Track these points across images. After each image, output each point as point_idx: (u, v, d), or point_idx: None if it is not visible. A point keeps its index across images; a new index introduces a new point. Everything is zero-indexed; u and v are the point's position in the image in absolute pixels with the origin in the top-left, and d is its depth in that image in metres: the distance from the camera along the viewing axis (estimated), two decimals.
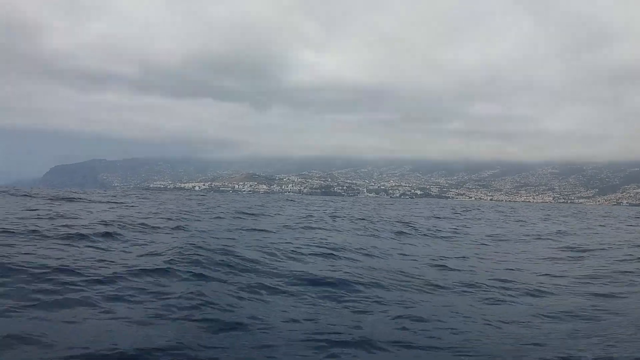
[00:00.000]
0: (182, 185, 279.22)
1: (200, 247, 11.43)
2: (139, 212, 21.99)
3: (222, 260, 10.31)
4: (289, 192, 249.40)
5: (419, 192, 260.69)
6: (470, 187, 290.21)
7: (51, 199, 28.30)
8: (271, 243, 13.66)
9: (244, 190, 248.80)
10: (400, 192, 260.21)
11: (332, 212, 31.75)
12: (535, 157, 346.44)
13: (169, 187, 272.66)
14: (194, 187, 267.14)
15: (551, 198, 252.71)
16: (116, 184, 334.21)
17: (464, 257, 13.89)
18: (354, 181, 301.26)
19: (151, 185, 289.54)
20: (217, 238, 14.17)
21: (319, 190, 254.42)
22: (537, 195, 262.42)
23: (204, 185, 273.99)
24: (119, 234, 13.46)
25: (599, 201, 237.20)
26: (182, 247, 11.28)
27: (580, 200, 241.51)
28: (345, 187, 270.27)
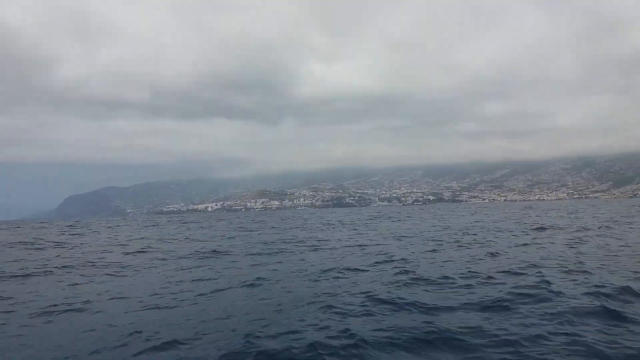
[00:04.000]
0: (195, 207, 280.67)
1: None
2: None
3: None
4: (301, 206, 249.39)
5: (431, 197, 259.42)
6: (482, 188, 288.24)
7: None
8: None
9: (256, 208, 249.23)
10: (413, 198, 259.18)
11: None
12: (546, 153, 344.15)
13: (182, 209, 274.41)
14: (206, 207, 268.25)
15: (565, 194, 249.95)
16: (129, 210, 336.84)
17: None
18: (365, 191, 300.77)
19: (164, 209, 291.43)
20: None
21: (330, 203, 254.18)
22: (550, 192, 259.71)
23: (216, 205, 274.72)
24: None
25: (614, 194, 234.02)
26: None
27: (596, 195, 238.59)
28: (356, 198, 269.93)
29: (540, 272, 11.15)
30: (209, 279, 12.06)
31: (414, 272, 11.83)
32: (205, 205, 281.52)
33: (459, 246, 18.14)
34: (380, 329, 7.11)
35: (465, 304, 8.47)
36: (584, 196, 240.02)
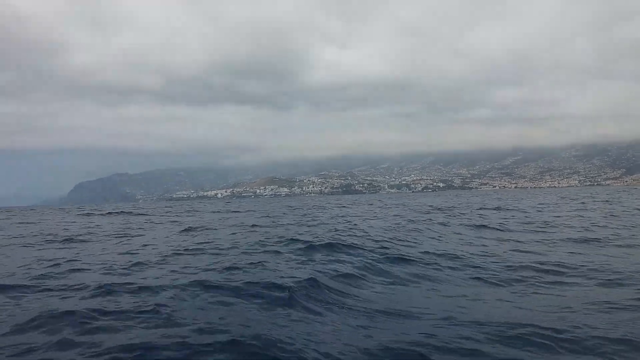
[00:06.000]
0: (205, 193, 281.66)
1: None
2: None
3: None
4: (310, 193, 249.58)
5: (441, 184, 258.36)
6: (493, 175, 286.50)
7: None
8: None
9: (266, 195, 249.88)
10: (422, 185, 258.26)
11: None
12: (557, 141, 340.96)
13: (191, 196, 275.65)
14: (215, 194, 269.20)
15: (577, 181, 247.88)
16: (139, 197, 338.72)
17: None
18: (374, 178, 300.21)
19: (174, 196, 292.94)
20: None
21: (339, 190, 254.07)
22: (562, 179, 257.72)
23: (225, 192, 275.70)
24: None
25: (626, 181, 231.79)
26: None
27: (607, 182, 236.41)
28: (365, 185, 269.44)
29: None
30: None
31: None
32: (215, 192, 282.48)
33: None
34: None
35: None
36: (595, 183, 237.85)
